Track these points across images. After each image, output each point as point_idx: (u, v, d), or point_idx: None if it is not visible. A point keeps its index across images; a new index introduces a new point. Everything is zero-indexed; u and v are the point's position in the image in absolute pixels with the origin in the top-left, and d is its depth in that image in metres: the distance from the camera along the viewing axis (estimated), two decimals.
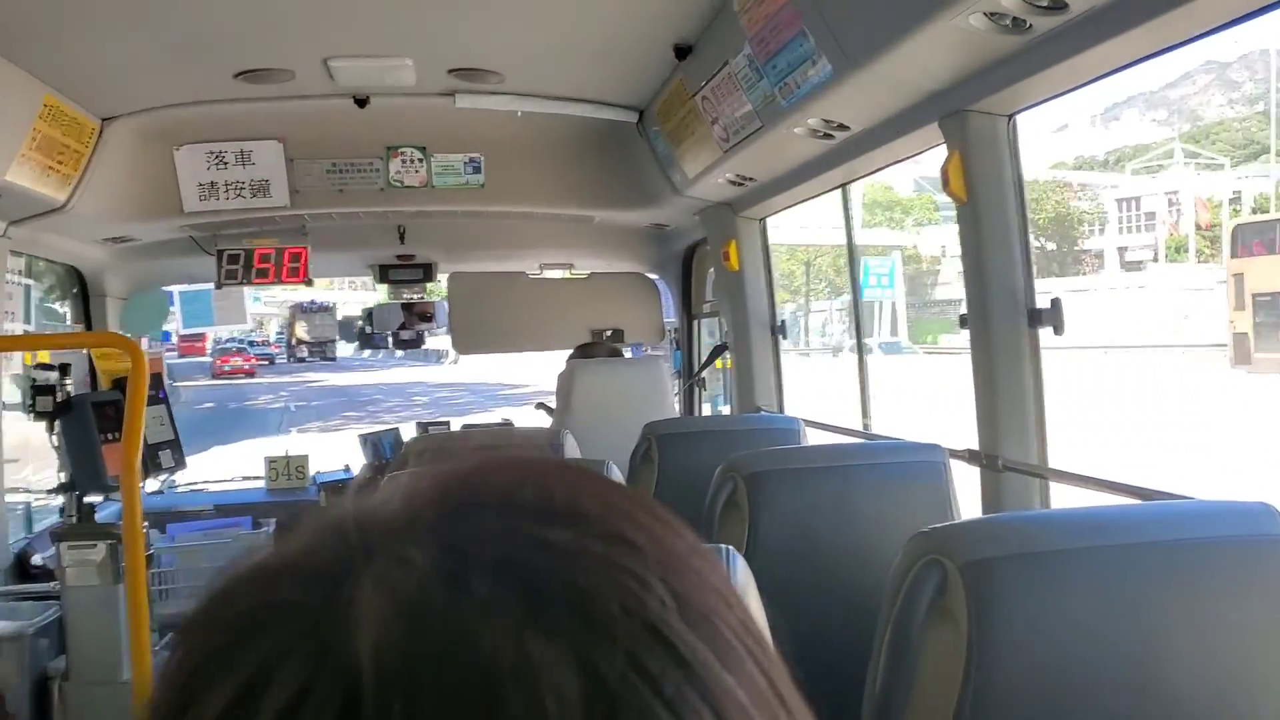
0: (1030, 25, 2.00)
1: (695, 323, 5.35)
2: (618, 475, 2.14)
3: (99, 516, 3.44)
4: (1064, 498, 2.49)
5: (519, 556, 0.37)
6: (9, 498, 3.82)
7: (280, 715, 0.33)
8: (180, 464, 3.87)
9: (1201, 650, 1.30)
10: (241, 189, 4.04)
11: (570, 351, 5.00)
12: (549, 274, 5.43)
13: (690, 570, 0.39)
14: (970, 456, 2.46)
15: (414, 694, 0.32)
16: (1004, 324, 2.38)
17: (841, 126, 2.80)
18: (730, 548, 1.25)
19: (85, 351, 4.18)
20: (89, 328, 4.49)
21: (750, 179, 3.60)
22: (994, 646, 1.24)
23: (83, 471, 3.27)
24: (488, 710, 0.32)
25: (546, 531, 0.38)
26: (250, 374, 40.10)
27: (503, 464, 0.42)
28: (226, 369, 40.19)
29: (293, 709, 0.33)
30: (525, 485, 0.41)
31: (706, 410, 5.30)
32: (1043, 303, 2.38)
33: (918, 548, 1.31)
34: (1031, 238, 2.52)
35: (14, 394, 3.77)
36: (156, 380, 3.69)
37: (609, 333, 5.27)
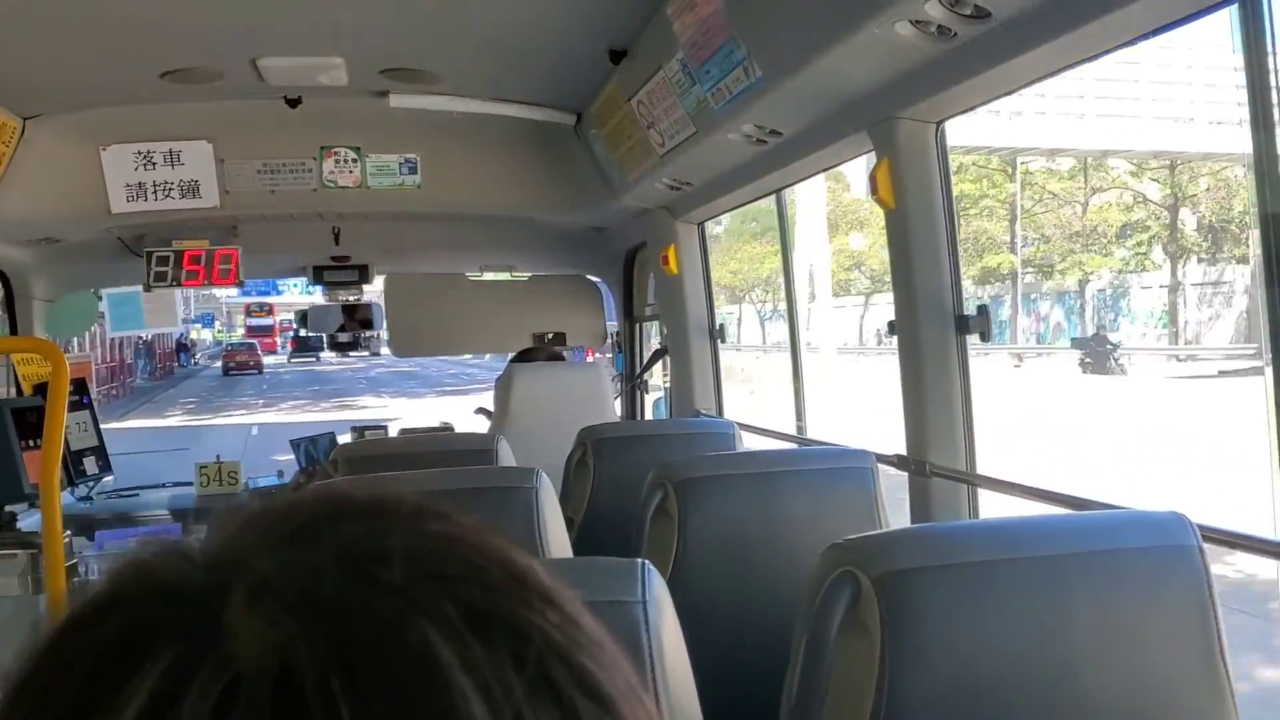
0: (955, 33, 2.01)
1: (637, 326, 5.34)
2: (546, 483, 2.12)
3: (24, 525, 3.35)
4: (993, 502, 2.51)
5: (410, 546, 0.37)
6: None
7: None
8: (106, 470, 3.78)
9: (1115, 660, 1.31)
10: (170, 190, 3.96)
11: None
12: (490, 276, 5.38)
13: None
14: (899, 462, 2.48)
15: (349, 674, 0.33)
16: (932, 330, 2.39)
17: (774, 132, 2.80)
18: (646, 562, 1.23)
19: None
20: (14, 332, 4.38)
21: (687, 184, 3.60)
22: (907, 658, 1.24)
23: (2, 479, 3.19)
24: (427, 679, 0.33)
25: (424, 525, 0.39)
26: (258, 369, 41.67)
27: (321, 493, 0.43)
28: (232, 365, 41.78)
29: (223, 709, 0.32)
30: (372, 503, 0.41)
31: (649, 413, 5.29)
32: (970, 309, 2.40)
33: (833, 559, 1.31)
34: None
35: None
36: (80, 385, 3.60)
37: (550, 336, 5.25)
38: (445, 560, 0.37)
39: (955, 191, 3.14)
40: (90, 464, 3.64)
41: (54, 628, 0.38)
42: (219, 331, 55.20)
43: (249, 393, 30.93)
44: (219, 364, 43.55)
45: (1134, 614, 1.33)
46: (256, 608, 0.35)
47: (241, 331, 52.07)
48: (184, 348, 45.23)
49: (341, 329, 5.02)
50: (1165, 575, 1.33)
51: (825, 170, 3.13)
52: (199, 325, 52.58)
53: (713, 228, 4.19)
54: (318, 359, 46.18)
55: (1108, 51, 1.99)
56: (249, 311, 50.95)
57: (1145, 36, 1.83)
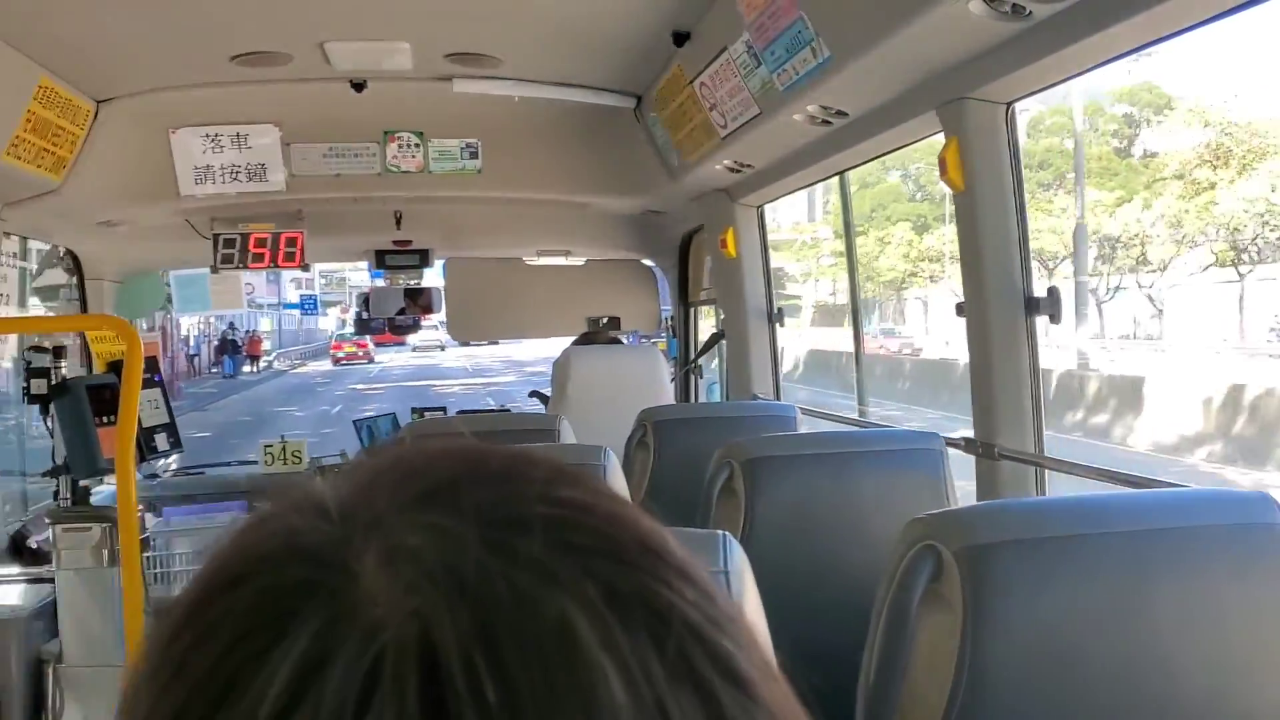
0: (1029, 12, 1.99)
1: (692, 310, 5.35)
2: (614, 461, 2.14)
3: (95, 500, 3.43)
4: (1061, 488, 2.50)
5: (546, 515, 0.37)
6: (4, 480, 3.82)
7: (361, 676, 0.32)
8: (176, 446, 3.86)
9: (1196, 638, 1.31)
10: (238, 173, 4.03)
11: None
12: (546, 260, 5.42)
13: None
14: (966, 445, 2.47)
15: (492, 649, 0.33)
16: (1001, 313, 2.38)
17: (840, 113, 2.80)
18: (726, 534, 1.25)
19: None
20: (85, 311, 4.48)
21: (748, 165, 3.59)
22: (988, 632, 1.24)
23: (77, 454, 3.27)
24: (566, 660, 0.33)
25: (557, 491, 0.39)
26: (368, 359, 39.78)
27: (454, 445, 0.42)
28: (341, 355, 39.86)
29: (371, 673, 0.32)
30: (502, 459, 0.41)
31: (703, 398, 5.30)
32: (1040, 291, 2.38)
33: (914, 533, 1.32)
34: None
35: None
36: (152, 364, 3.68)
37: (605, 320, 5.27)
38: (581, 531, 0.37)
39: None
40: (161, 440, 3.72)
41: (195, 590, 0.37)
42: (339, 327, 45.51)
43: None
44: (309, 367, 39.72)
45: (1216, 592, 1.32)
46: (396, 572, 0.34)
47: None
48: (231, 347, 35.29)
49: (402, 312, 5.07)
50: (1250, 554, 1.32)
51: (891, 152, 3.11)
52: (288, 309, 42.50)
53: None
54: (442, 348, 43.85)
55: (1182, 31, 1.97)
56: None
57: (1230, 12, 1.80)
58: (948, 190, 2.50)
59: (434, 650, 0.32)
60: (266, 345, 40.58)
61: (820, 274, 32.53)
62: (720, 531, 1.25)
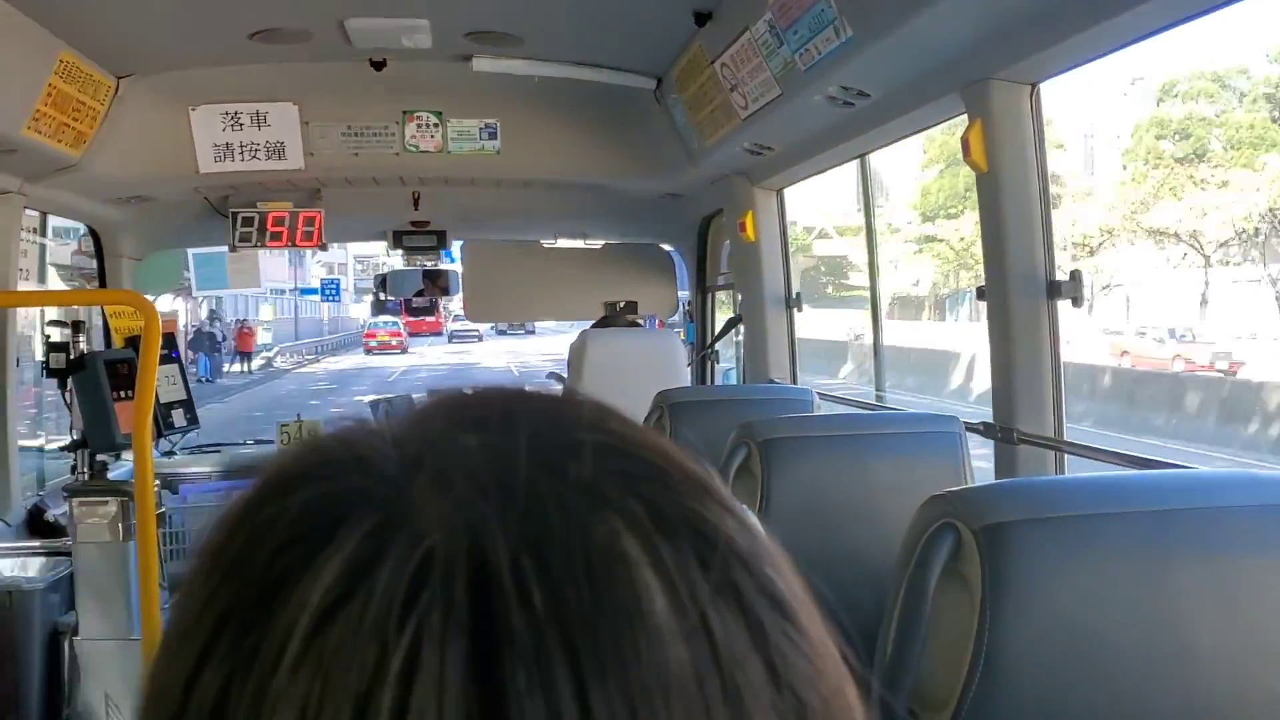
0: None
1: (709, 295, 5.33)
2: None
3: (112, 476, 3.45)
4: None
5: (596, 442, 0.38)
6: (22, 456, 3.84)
7: (409, 575, 0.33)
8: (193, 423, 3.87)
9: (1221, 621, 1.29)
10: (256, 150, 4.03)
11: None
12: (563, 243, 5.40)
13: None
14: (985, 429, 2.45)
15: (540, 556, 0.33)
16: (1023, 296, 2.36)
17: (862, 94, 2.77)
18: (744, 506, 1.23)
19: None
20: (104, 287, 4.49)
21: (768, 148, 3.57)
22: (1008, 611, 1.23)
23: (95, 429, 3.28)
24: (611, 575, 0.34)
25: (607, 424, 0.40)
26: (401, 349, 38.08)
27: (505, 387, 0.43)
28: (374, 344, 38.34)
29: (420, 573, 0.33)
30: (546, 399, 0.42)
31: (719, 383, 5.28)
32: (1062, 275, 2.36)
33: (933, 511, 1.30)
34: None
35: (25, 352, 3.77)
36: (169, 340, 3.69)
37: (622, 304, 5.25)
38: (630, 458, 0.38)
39: None
40: (178, 416, 3.73)
41: (248, 495, 0.38)
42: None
43: None
44: (322, 364, 35.35)
45: (1243, 574, 1.30)
46: (450, 486, 0.35)
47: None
48: (208, 342, 27.73)
49: (420, 294, 5.07)
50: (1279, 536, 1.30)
51: (913, 134, 3.08)
52: (306, 294, 38.84)
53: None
54: (479, 337, 42.93)
55: (1213, 9, 1.94)
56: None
57: None
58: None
59: (483, 554, 0.33)
60: (266, 338, 35.21)
61: (908, 260, 30.53)
62: (740, 505, 1.24)
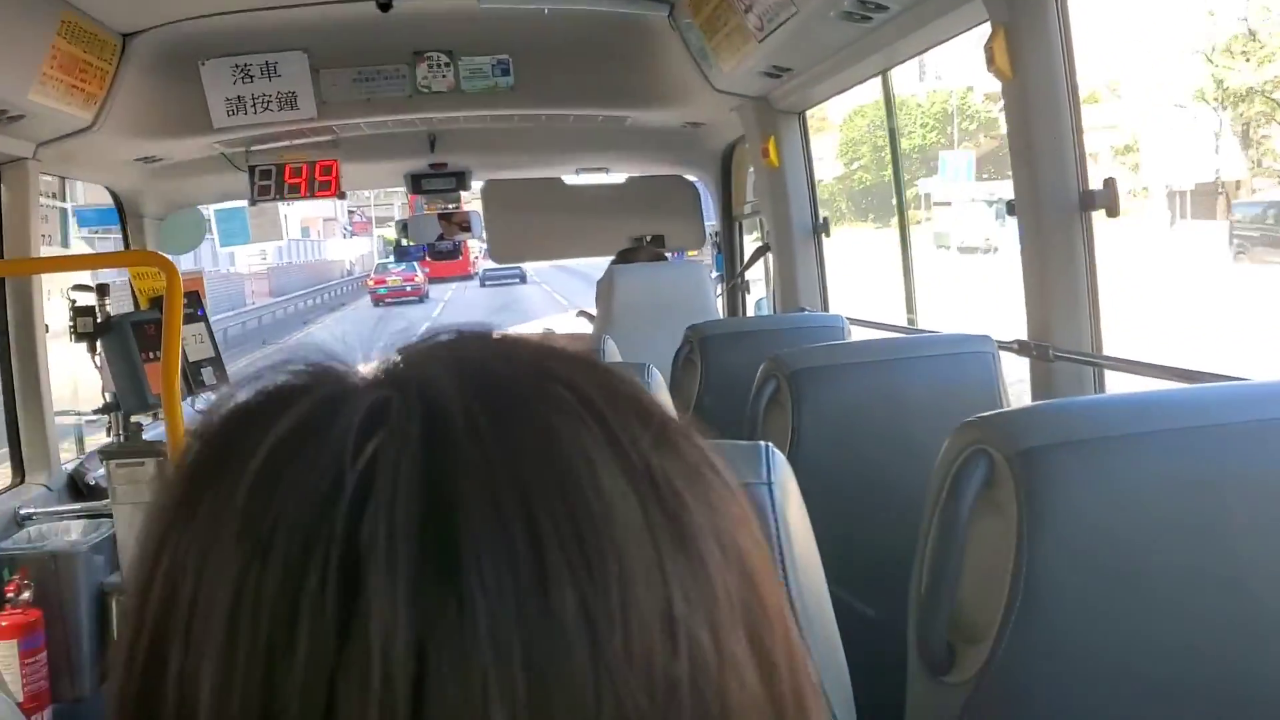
0: None
1: (737, 224, 5.24)
2: (658, 378, 2.09)
3: (149, 435, 3.46)
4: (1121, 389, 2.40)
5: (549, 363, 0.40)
6: (59, 419, 3.87)
7: (368, 412, 0.35)
8: (224, 380, 3.88)
9: (1274, 539, 1.23)
10: (269, 102, 3.97)
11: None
12: (586, 179, 5.33)
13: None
14: (1020, 348, 2.38)
15: (489, 399, 0.36)
16: (1055, 208, 2.27)
17: (879, 6, 2.67)
18: (769, 444, 1.19)
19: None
20: (127, 248, 4.49)
21: (787, 69, 3.47)
22: (1045, 538, 1.18)
23: (127, 391, 3.29)
24: (565, 416, 0.37)
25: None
26: (418, 295, 31.69)
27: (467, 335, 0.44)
28: (384, 292, 31.88)
29: (379, 411, 0.35)
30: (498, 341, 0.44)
31: (751, 313, 5.22)
32: (1095, 184, 2.27)
33: (964, 438, 1.25)
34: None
35: (53, 318, 3.77)
36: (194, 298, 3.68)
37: (649, 238, 5.18)
38: (578, 369, 0.40)
39: None
40: (208, 375, 3.73)
41: (215, 405, 0.41)
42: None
43: None
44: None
45: None
46: (410, 359, 0.39)
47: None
48: None
49: (440, 237, 5.02)
50: None
51: (934, 46, 2.98)
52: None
53: None
54: (520, 278, 35.32)
55: None
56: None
57: None
58: None
59: (437, 400, 0.35)
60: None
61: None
62: (762, 442, 1.20)
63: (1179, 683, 1.21)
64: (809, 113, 4.08)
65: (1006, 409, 1.44)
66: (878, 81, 3.62)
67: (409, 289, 32.22)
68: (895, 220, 3.70)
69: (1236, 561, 1.21)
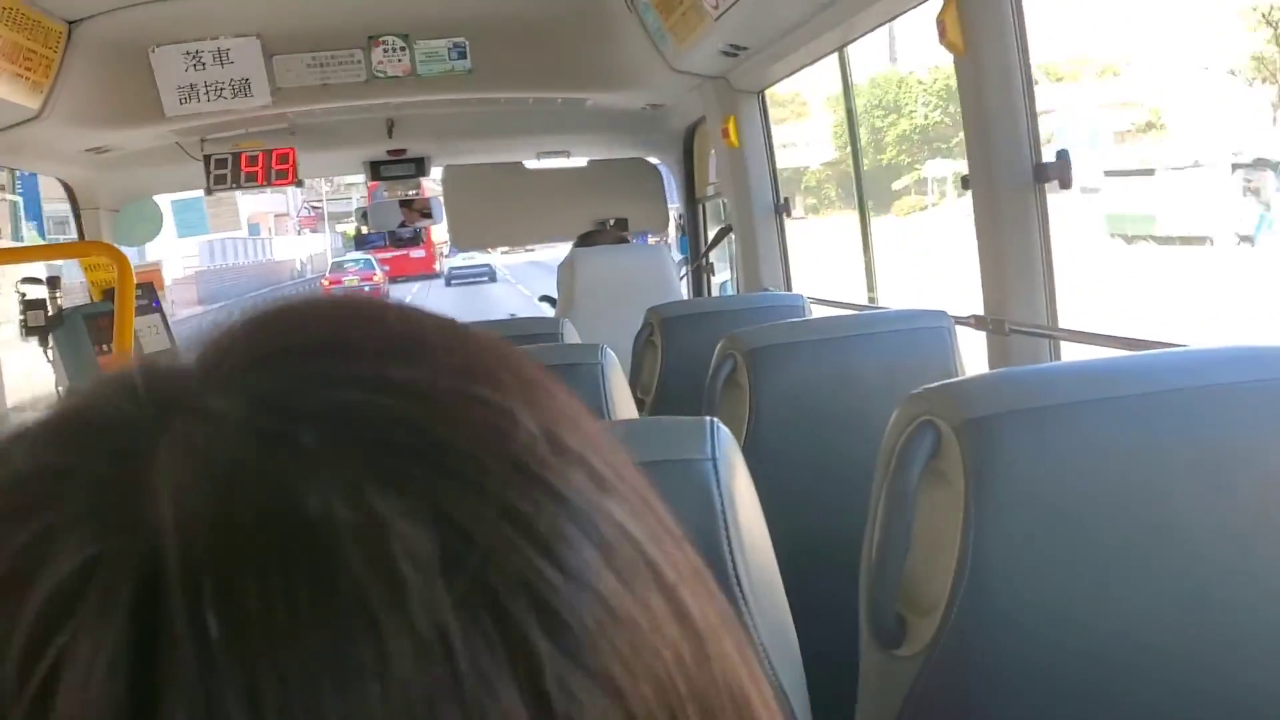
0: None
1: (700, 207, 5.23)
2: (612, 359, 2.07)
3: None
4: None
5: (352, 401, 0.29)
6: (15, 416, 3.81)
7: (59, 591, 0.26)
8: None
9: (1220, 505, 1.23)
10: (222, 89, 3.91)
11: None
12: (547, 163, 5.29)
13: (553, 399, 0.32)
14: (976, 322, 2.39)
15: (226, 567, 0.26)
16: (1008, 181, 2.27)
17: None
18: (714, 420, 1.18)
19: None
20: (82, 240, 4.42)
21: (744, 48, 3.45)
22: (992, 509, 1.18)
23: (78, 384, 3.24)
24: (321, 579, 0.26)
25: (386, 370, 0.31)
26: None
27: (322, 303, 0.35)
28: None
29: (75, 588, 0.26)
30: (353, 324, 0.33)
31: (716, 293, 5.21)
32: (1049, 156, 2.27)
33: (911, 409, 1.24)
34: None
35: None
36: (149, 290, 3.63)
37: (612, 222, 5.16)
38: (398, 427, 0.29)
39: None
40: None
41: None
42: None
43: None
44: None
45: (1244, 454, 1.24)
46: (183, 465, 0.28)
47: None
48: None
49: (403, 225, 4.98)
50: (1274, 412, 1.24)
51: (890, 20, 2.97)
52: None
53: None
54: (490, 276, 33.11)
55: None
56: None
57: None
58: None
59: (162, 555, 0.26)
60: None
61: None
62: (708, 418, 1.18)
63: (1130, 648, 1.21)
64: (799, 97, 4.06)
65: (952, 380, 1.43)
66: (874, 68, 3.61)
67: (367, 289, 29.24)
68: (892, 206, 3.68)
69: (1180, 523, 1.21)
